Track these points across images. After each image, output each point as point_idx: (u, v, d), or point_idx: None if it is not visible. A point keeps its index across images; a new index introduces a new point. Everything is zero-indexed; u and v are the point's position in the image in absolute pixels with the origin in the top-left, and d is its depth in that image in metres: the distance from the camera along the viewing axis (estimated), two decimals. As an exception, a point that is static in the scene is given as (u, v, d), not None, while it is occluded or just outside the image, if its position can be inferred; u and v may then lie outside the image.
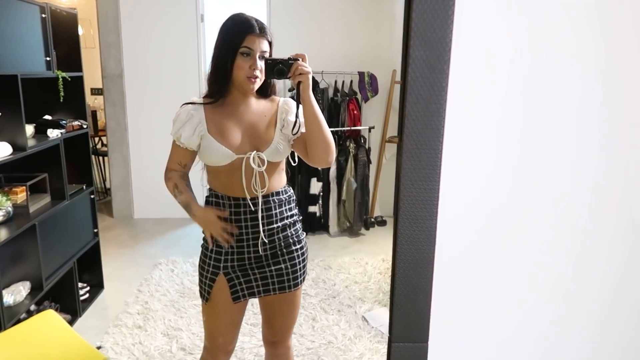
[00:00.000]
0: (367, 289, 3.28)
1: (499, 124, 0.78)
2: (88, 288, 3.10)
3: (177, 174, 1.62)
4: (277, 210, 1.59)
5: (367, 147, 4.31)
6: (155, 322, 2.82)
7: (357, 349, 2.60)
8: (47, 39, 2.50)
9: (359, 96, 4.37)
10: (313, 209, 4.32)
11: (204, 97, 1.56)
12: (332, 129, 4.11)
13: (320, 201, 4.31)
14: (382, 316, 2.93)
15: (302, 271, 1.67)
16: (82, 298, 2.98)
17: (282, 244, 1.61)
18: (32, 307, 2.63)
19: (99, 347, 2.55)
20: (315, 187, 4.27)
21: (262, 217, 1.55)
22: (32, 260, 2.45)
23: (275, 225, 1.59)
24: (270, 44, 1.50)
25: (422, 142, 0.77)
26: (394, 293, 0.82)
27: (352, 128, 4.24)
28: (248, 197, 1.54)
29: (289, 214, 1.63)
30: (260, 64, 1.46)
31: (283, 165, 1.64)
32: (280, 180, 1.61)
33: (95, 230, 3.12)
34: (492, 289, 0.85)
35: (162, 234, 4.23)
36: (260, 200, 1.55)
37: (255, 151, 1.52)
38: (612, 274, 0.85)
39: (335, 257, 3.84)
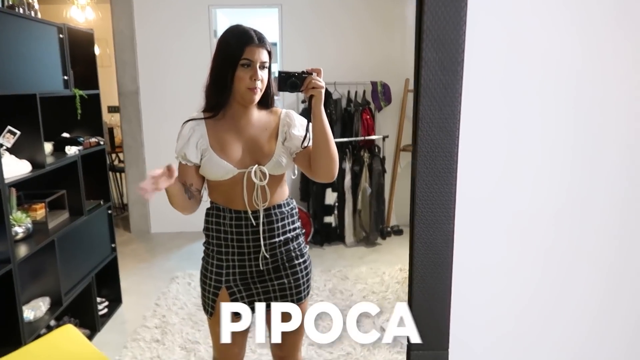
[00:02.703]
0: (385, 299, 3.25)
1: (515, 125, 0.77)
2: (107, 303, 3.12)
3: None
4: (280, 224, 1.58)
5: (381, 156, 4.30)
6: (173, 336, 2.82)
7: (375, 359, 2.57)
8: (64, 59, 2.56)
9: (372, 106, 4.37)
10: (329, 219, 4.31)
11: (203, 112, 1.54)
12: (346, 139, 4.11)
13: (335, 211, 4.30)
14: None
15: (305, 285, 1.64)
16: (100, 313, 3.00)
17: (285, 257, 1.59)
18: (52, 323, 2.65)
19: (118, 362, 2.56)
20: (331, 197, 4.26)
21: (264, 230, 1.54)
22: (51, 275, 2.47)
23: (277, 239, 1.57)
24: (269, 53, 1.49)
25: (437, 145, 0.76)
26: (412, 300, 0.81)
27: (366, 138, 4.23)
28: (249, 211, 1.52)
29: (291, 227, 1.61)
30: (261, 74, 1.46)
31: (285, 178, 1.63)
32: (282, 193, 1.60)
33: (113, 245, 3.15)
34: (513, 293, 0.83)
35: (178, 248, 4.25)
36: (261, 213, 1.53)
37: (256, 165, 1.51)
38: (636, 274, 0.83)
39: (352, 267, 3.81)
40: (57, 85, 2.53)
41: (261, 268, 1.57)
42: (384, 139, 4.33)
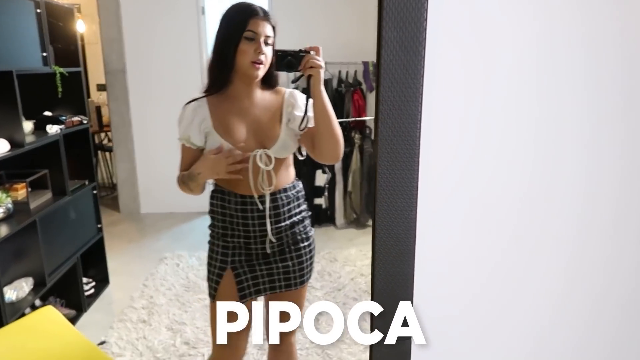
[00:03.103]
0: (372, 281, 3.24)
1: (480, 107, 0.74)
2: (93, 283, 3.11)
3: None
4: (285, 208, 1.55)
5: (372, 137, 4.26)
6: (160, 317, 2.82)
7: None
8: (42, 35, 2.49)
9: (363, 86, 4.31)
10: (319, 201, 4.28)
11: (205, 91, 1.51)
12: (338, 120, 4.06)
13: (326, 193, 4.27)
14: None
15: (309, 268, 1.64)
16: (87, 293, 2.99)
17: (290, 240, 1.58)
18: (37, 303, 2.64)
19: (102, 342, 2.56)
20: (321, 179, 4.23)
21: (270, 215, 1.52)
22: (34, 256, 2.45)
23: (283, 224, 1.55)
24: (274, 28, 1.47)
25: (398, 129, 0.73)
26: (374, 289, 0.79)
27: (358, 119, 4.19)
28: (255, 195, 1.50)
29: (297, 210, 1.59)
30: (265, 48, 1.43)
31: (291, 160, 1.59)
32: (288, 176, 1.58)
33: (99, 226, 3.12)
34: (477, 283, 0.81)
35: (168, 228, 4.23)
36: (267, 198, 1.51)
37: (262, 149, 1.48)
38: (596, 259, 0.80)
39: (341, 249, 3.80)
40: (36, 62, 2.47)
41: (267, 251, 1.56)
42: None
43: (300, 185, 1.63)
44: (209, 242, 1.63)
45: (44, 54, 2.50)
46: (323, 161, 1.55)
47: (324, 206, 4.31)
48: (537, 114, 0.73)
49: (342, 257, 3.64)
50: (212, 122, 1.47)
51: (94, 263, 3.18)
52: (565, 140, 0.74)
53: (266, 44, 1.43)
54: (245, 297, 1.56)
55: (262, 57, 1.42)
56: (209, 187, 1.62)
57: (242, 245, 1.55)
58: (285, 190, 1.55)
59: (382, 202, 0.75)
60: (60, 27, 2.75)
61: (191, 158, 1.53)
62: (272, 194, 1.51)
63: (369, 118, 4.25)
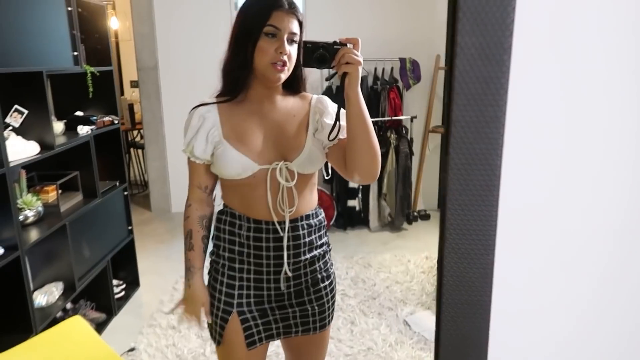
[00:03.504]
0: (409, 290, 3.10)
1: (576, 131, 0.59)
2: (124, 285, 3.07)
3: (197, 210, 1.34)
4: (307, 239, 1.31)
5: (409, 137, 4.09)
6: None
7: (398, 356, 2.44)
8: (73, 33, 2.43)
9: (400, 84, 4.14)
10: (352, 202, 4.15)
11: (217, 96, 1.29)
12: (372, 120, 3.89)
13: (359, 195, 4.14)
14: (425, 320, 2.75)
15: (330, 310, 1.41)
16: (117, 296, 2.95)
17: (310, 280, 1.35)
18: (68, 306, 2.61)
19: (132, 349, 2.51)
20: (355, 180, 4.09)
21: (289, 246, 1.28)
22: (64, 260, 2.41)
23: (302, 258, 1.31)
24: (301, 24, 1.22)
25: (474, 157, 0.59)
26: (439, 345, 0.65)
27: (393, 118, 4.03)
28: (275, 219, 1.26)
29: (319, 242, 1.36)
30: (289, 48, 1.19)
31: (315, 179, 1.35)
32: (311, 200, 1.34)
33: (130, 228, 3.07)
34: (564, 338, 0.67)
35: (199, 229, 4.18)
36: (287, 224, 1.27)
37: (282, 161, 1.25)
38: None
39: (375, 253, 3.67)
40: (67, 62, 2.42)
41: (282, 290, 1.33)
42: (412, 119, 4.11)
43: (322, 214, 1.39)
44: (210, 274, 1.38)
45: (75, 53, 2.44)
46: (357, 180, 1.27)
47: (357, 208, 4.17)
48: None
49: (377, 262, 3.50)
50: (223, 130, 1.24)
51: (124, 265, 3.14)
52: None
53: (291, 42, 1.20)
54: (254, 345, 1.33)
55: (284, 58, 1.18)
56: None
57: (252, 284, 1.32)
58: (308, 217, 1.32)
59: (452, 243, 0.62)
60: (91, 25, 2.69)
61: (197, 173, 1.31)
62: (292, 221, 1.27)
63: (405, 117, 4.08)
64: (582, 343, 0.67)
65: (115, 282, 2.97)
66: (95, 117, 2.66)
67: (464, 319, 0.65)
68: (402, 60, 4.10)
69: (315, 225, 1.35)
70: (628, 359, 0.67)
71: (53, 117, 2.41)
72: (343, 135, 1.25)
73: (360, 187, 4.10)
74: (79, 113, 2.72)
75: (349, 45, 1.13)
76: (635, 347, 0.65)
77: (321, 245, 1.37)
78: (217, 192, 1.37)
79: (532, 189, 0.61)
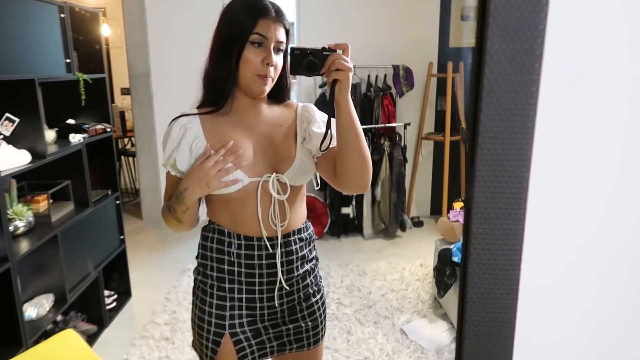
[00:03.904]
0: (405, 298, 3.07)
1: (608, 141, 0.57)
2: (115, 296, 3.01)
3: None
4: (300, 254, 1.27)
5: (402, 144, 4.08)
6: (183, 334, 2.69)
7: (396, 366, 2.41)
8: (66, 40, 2.39)
9: (393, 91, 4.14)
10: (346, 210, 4.13)
11: (198, 107, 1.22)
12: (366, 127, 3.90)
13: (353, 202, 4.12)
14: (421, 329, 2.73)
15: (323, 325, 1.38)
16: (109, 307, 2.89)
17: (302, 295, 1.30)
18: (59, 318, 2.55)
19: (124, 362, 2.45)
20: (349, 187, 4.07)
21: (282, 262, 1.23)
22: (55, 271, 2.35)
23: (295, 273, 1.27)
24: (287, 33, 1.16)
25: (502, 168, 0.57)
26: (461, 364, 0.63)
27: (387, 125, 4.02)
28: (265, 235, 1.21)
29: (310, 256, 1.33)
30: (276, 58, 1.14)
31: (304, 190, 1.30)
32: (301, 213, 1.30)
33: (122, 237, 3.02)
34: (591, 355, 0.65)
35: (191, 237, 4.11)
36: (279, 239, 1.22)
37: (274, 173, 1.19)
38: None
39: (370, 261, 3.65)
40: (59, 69, 2.37)
41: (276, 308, 1.28)
42: (405, 126, 4.11)
43: (311, 227, 1.35)
44: (196, 295, 1.29)
45: (68, 61, 2.40)
46: (347, 190, 1.23)
47: (351, 215, 4.15)
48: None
49: (371, 270, 3.48)
50: (207, 140, 1.18)
51: (116, 275, 3.08)
52: None
53: (277, 51, 1.15)
54: None
55: (270, 70, 1.13)
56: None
57: (244, 304, 1.25)
58: (299, 231, 1.27)
59: (477, 259, 0.59)
60: (84, 32, 2.65)
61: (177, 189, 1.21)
62: (284, 236, 1.22)
63: (398, 124, 4.08)
64: (609, 358, 0.65)
65: (106, 292, 2.91)
66: (87, 125, 2.61)
67: (488, 337, 0.62)
68: (396, 68, 4.10)
69: (306, 238, 1.31)
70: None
71: (44, 126, 2.36)
72: (333, 144, 1.20)
73: (354, 194, 4.08)
74: (70, 121, 2.67)
75: (338, 51, 1.10)
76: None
77: (312, 259, 1.34)
78: (202, 207, 1.28)
79: (561, 202, 0.59)
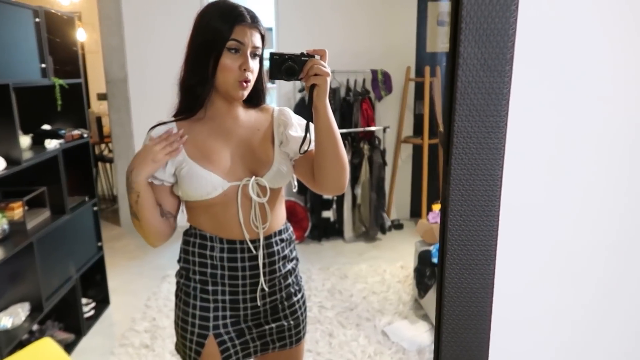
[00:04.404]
0: (386, 300, 3.10)
1: (578, 141, 0.60)
2: (93, 304, 2.96)
3: None
4: (281, 255, 1.30)
5: (381, 148, 4.12)
6: (164, 341, 2.66)
7: (377, 367, 2.42)
8: (41, 45, 2.36)
9: (372, 95, 4.19)
10: (327, 214, 4.14)
11: (174, 115, 1.23)
12: (345, 130, 3.92)
13: (334, 206, 4.14)
14: (402, 330, 2.75)
15: (304, 323, 1.40)
16: (87, 315, 2.84)
17: (284, 294, 1.33)
18: (35, 327, 2.49)
19: (103, 370, 2.41)
20: (329, 191, 4.09)
21: (264, 264, 1.25)
22: (31, 279, 2.31)
23: (278, 273, 1.29)
24: (263, 38, 1.18)
25: (475, 167, 0.59)
26: (438, 358, 0.65)
27: (366, 129, 4.06)
28: (247, 238, 1.23)
29: (292, 256, 1.35)
30: (253, 63, 1.16)
31: (283, 192, 1.34)
32: (281, 214, 1.32)
33: (100, 244, 2.98)
34: (565, 346, 0.67)
35: (171, 244, 4.02)
36: (262, 242, 1.24)
37: (253, 177, 1.21)
38: None
39: (351, 264, 3.66)
40: (34, 74, 2.34)
41: (259, 308, 1.29)
42: (384, 130, 4.15)
43: (290, 227, 1.38)
44: (179, 298, 1.30)
45: (43, 65, 2.36)
46: (325, 192, 1.28)
47: (332, 219, 4.17)
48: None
49: (353, 273, 3.50)
50: (186, 148, 1.19)
51: (94, 283, 3.03)
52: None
53: (254, 56, 1.17)
54: None
55: (248, 75, 1.15)
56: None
57: (227, 305, 1.27)
58: (280, 232, 1.30)
59: (453, 255, 0.61)
60: (60, 37, 2.62)
61: (160, 197, 1.21)
62: (266, 237, 1.25)
63: (377, 128, 4.12)
64: (582, 348, 0.68)
65: (84, 300, 2.86)
66: (63, 131, 2.58)
67: (465, 330, 0.64)
68: (374, 72, 4.15)
69: (287, 239, 1.33)
70: (624, 364, 0.68)
71: (19, 131, 2.32)
72: (311, 147, 1.23)
73: (335, 197, 4.10)
74: (46, 127, 2.63)
75: (316, 56, 1.13)
76: (636, 351, 0.66)
77: (293, 259, 1.36)
78: (182, 214, 1.30)
79: (534, 198, 0.61)
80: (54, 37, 2.57)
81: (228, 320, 1.28)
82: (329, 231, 4.19)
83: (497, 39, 0.55)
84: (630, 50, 0.58)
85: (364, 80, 4.18)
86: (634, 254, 0.64)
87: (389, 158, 4.36)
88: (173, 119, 1.22)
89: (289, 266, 1.34)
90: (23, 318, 2.24)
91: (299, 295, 1.38)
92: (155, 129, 1.21)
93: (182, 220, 1.28)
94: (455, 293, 0.63)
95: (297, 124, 1.28)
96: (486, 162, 0.59)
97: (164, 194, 1.23)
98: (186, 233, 1.30)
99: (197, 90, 1.18)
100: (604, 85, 0.59)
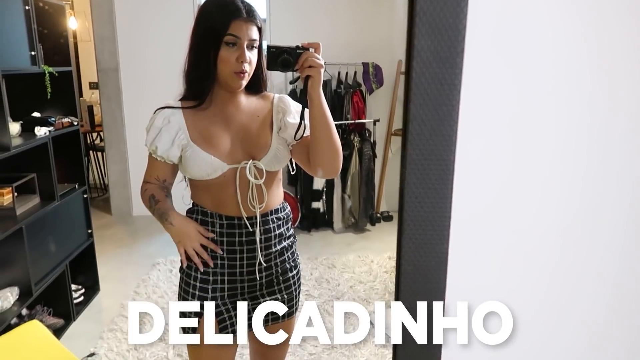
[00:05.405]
0: (372, 289, 3.15)
1: (523, 129, 0.64)
2: (83, 290, 3.00)
3: (154, 186, 1.38)
4: (277, 232, 1.39)
5: (372, 140, 4.17)
6: (152, 327, 2.71)
7: (362, 354, 2.48)
8: (31, 33, 2.37)
9: (363, 88, 4.22)
10: (317, 204, 4.19)
11: (181, 100, 1.33)
12: (336, 122, 3.94)
13: (324, 197, 4.18)
14: (387, 319, 2.81)
15: (297, 298, 1.48)
16: (76, 301, 2.88)
17: (279, 270, 1.42)
18: (24, 312, 2.53)
19: (92, 354, 2.45)
20: (319, 182, 4.13)
21: (261, 239, 1.35)
22: (20, 264, 2.34)
23: (273, 250, 1.39)
24: (259, 30, 1.27)
25: (430, 152, 0.63)
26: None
27: (357, 121, 4.09)
28: (244, 216, 1.33)
29: (288, 234, 1.44)
30: (249, 55, 1.25)
31: (280, 175, 1.43)
32: (278, 195, 1.42)
33: (90, 231, 3.01)
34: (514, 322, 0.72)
35: (161, 232, 4.08)
36: (258, 219, 1.34)
37: (250, 160, 1.31)
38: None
39: (339, 254, 3.71)
40: (24, 62, 2.36)
41: (255, 282, 1.39)
42: (375, 122, 4.19)
43: (288, 207, 1.47)
44: (182, 271, 1.41)
45: (33, 53, 2.38)
46: (320, 175, 1.39)
47: (321, 210, 4.21)
48: (592, 138, 0.63)
49: (341, 263, 3.55)
50: (190, 133, 1.30)
51: (84, 269, 3.06)
52: (616, 163, 0.65)
53: (251, 47, 1.25)
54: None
55: (245, 66, 1.24)
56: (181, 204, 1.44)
57: (226, 277, 1.37)
58: (277, 211, 1.40)
59: (409, 234, 0.66)
60: (50, 24, 2.63)
61: (158, 170, 1.36)
62: (262, 215, 1.35)
63: (368, 120, 4.16)
64: (531, 326, 0.72)
65: (74, 287, 2.89)
66: (53, 119, 2.60)
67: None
68: (365, 65, 4.18)
69: (283, 218, 1.42)
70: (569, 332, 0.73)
71: (9, 118, 2.34)
72: (306, 133, 1.32)
73: (325, 188, 4.14)
74: (36, 114, 2.65)
75: (311, 49, 1.21)
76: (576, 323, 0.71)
77: (289, 237, 1.45)
78: (186, 192, 1.42)
79: (484, 181, 0.66)
80: (44, 25, 2.58)
81: (226, 293, 1.38)
82: (318, 222, 4.23)
83: (448, 33, 0.59)
84: (576, 42, 0.62)
85: (355, 73, 4.21)
86: (589, 235, 0.69)
87: (379, 150, 4.40)
88: (180, 104, 1.32)
89: (285, 243, 1.43)
90: (12, 302, 2.28)
91: (295, 271, 1.47)
92: (162, 110, 1.32)
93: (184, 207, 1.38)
94: (412, 271, 0.67)
95: (295, 111, 1.36)
96: (439, 147, 0.63)
97: (166, 169, 1.36)
98: (189, 211, 1.40)
99: (201, 82, 1.28)
100: (551, 78, 0.63)
